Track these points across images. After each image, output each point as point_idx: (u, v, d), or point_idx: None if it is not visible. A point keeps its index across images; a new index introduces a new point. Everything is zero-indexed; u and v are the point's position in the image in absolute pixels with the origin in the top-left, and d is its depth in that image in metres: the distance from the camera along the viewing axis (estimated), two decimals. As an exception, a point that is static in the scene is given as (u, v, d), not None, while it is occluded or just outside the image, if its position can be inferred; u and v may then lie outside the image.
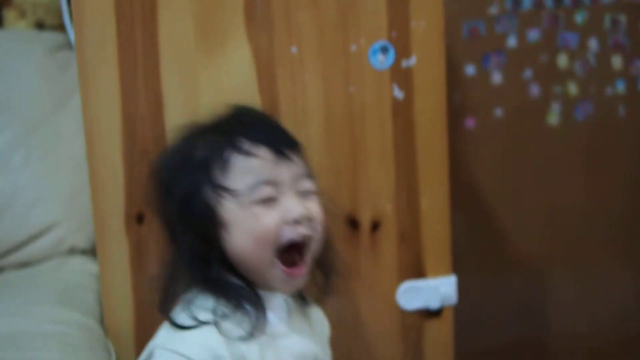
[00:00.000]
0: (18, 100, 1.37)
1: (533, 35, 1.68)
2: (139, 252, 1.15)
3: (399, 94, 1.19)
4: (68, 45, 1.46)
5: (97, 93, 1.12)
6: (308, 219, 0.98)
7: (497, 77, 1.68)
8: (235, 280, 0.98)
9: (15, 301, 1.16)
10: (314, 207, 0.99)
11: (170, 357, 0.94)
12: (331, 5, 1.16)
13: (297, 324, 1.04)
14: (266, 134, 0.99)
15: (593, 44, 1.70)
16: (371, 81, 1.18)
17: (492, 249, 1.73)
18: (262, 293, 0.99)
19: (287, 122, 1.16)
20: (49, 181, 1.35)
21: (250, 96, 1.15)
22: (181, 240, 0.99)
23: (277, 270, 0.97)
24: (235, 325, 0.96)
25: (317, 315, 1.11)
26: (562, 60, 1.70)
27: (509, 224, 1.73)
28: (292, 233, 0.97)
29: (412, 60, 1.19)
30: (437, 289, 1.23)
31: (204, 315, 0.96)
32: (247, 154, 0.96)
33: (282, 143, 0.99)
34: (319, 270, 1.05)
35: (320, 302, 1.09)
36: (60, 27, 1.49)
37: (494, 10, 1.66)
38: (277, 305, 1.01)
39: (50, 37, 1.46)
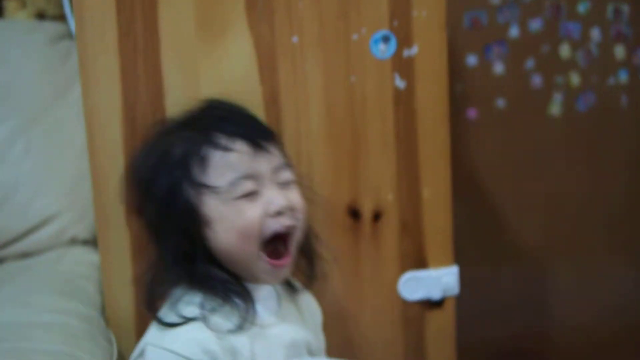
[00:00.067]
0: (19, 90, 1.37)
1: (535, 25, 1.68)
2: (140, 242, 1.14)
3: (400, 83, 1.19)
4: (68, 35, 1.45)
5: (98, 82, 1.12)
6: (290, 210, 0.98)
7: (498, 67, 1.67)
8: (221, 274, 0.98)
9: (17, 291, 1.16)
10: (295, 197, 1.00)
11: (161, 355, 0.94)
12: (332, -6, 1.15)
13: (287, 312, 1.05)
14: (242, 127, 0.99)
15: (595, 33, 1.69)
16: (372, 71, 1.18)
17: (494, 239, 1.72)
18: (249, 285, 1.00)
19: (288, 111, 1.16)
20: (49, 171, 1.35)
21: (251, 85, 1.15)
22: (164, 239, 0.99)
23: (262, 263, 0.98)
24: (224, 319, 0.96)
25: (308, 301, 1.11)
26: (565, 51, 1.69)
27: (510, 214, 1.73)
28: (275, 225, 0.97)
29: (414, 50, 1.18)
30: (439, 280, 1.23)
31: (192, 311, 0.96)
32: (225, 149, 0.96)
33: (258, 135, 0.99)
34: (302, 256, 1.06)
35: (308, 287, 1.10)
36: (61, 17, 1.48)
37: (495, 0, 1.65)
38: (265, 296, 1.01)
39: (50, 27, 1.46)
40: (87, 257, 1.31)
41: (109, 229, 1.14)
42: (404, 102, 1.19)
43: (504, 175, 1.71)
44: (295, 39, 1.15)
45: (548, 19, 1.67)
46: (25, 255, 1.34)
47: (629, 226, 1.77)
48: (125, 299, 1.15)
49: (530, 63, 1.68)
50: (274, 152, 1.00)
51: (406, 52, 1.18)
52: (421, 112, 1.20)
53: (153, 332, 0.98)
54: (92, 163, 1.13)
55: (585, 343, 1.78)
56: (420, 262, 1.23)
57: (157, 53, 1.12)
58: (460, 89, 1.65)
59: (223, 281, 0.98)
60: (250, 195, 0.96)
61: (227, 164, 0.96)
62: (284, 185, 0.99)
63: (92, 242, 1.35)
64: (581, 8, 1.68)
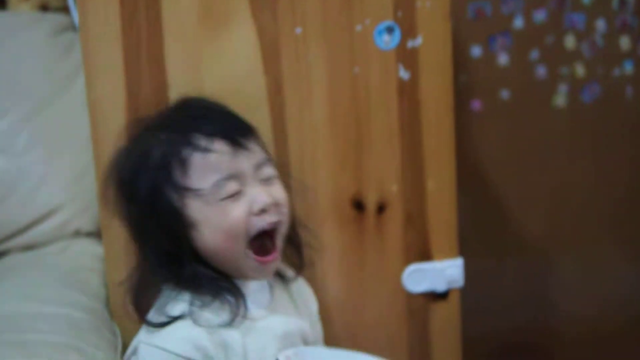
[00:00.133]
0: (22, 82, 1.37)
1: (539, 16, 1.67)
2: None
3: (404, 74, 1.18)
4: (72, 27, 1.45)
5: (101, 74, 1.11)
6: (274, 205, 0.98)
7: (503, 59, 1.67)
8: (209, 272, 0.99)
9: (21, 283, 1.16)
10: (278, 192, 1.00)
11: (153, 352, 0.95)
12: (336, -15, 1.15)
13: (280, 303, 1.05)
14: (220, 126, 0.98)
15: (600, 24, 1.68)
16: (376, 62, 1.17)
17: (498, 231, 1.72)
18: (238, 282, 1.00)
19: (292, 102, 1.16)
20: (53, 163, 1.35)
21: (254, 76, 1.14)
22: (148, 241, 0.99)
23: (250, 261, 0.98)
24: (214, 315, 0.96)
25: (301, 290, 1.11)
26: (569, 41, 1.68)
27: (514, 206, 1.72)
28: (261, 223, 0.97)
29: (418, 41, 1.18)
30: (444, 272, 1.22)
31: (181, 309, 0.96)
32: (204, 150, 0.96)
33: (237, 133, 0.98)
34: (290, 246, 1.06)
35: (299, 274, 1.10)
36: (64, 9, 1.48)
37: (500, -10, 1.65)
38: (255, 290, 1.02)
39: (54, 19, 1.45)
40: (91, 249, 1.31)
41: (113, 221, 1.14)
42: (408, 93, 1.19)
43: (508, 167, 1.70)
44: (298, 29, 1.15)
45: (552, 9, 1.66)
46: (29, 247, 1.34)
47: (634, 218, 1.77)
48: (129, 291, 1.15)
49: (534, 54, 1.67)
50: (254, 148, 0.99)
51: (410, 43, 1.18)
52: (425, 103, 1.20)
53: (145, 330, 0.98)
54: (96, 155, 1.13)
55: (589, 335, 1.77)
56: (424, 254, 1.22)
57: (160, 44, 1.12)
58: (464, 80, 1.64)
59: (211, 279, 0.98)
60: (234, 194, 0.96)
61: (208, 166, 0.96)
62: (266, 181, 0.99)
63: (96, 234, 1.34)
64: (586, -1, 1.67)
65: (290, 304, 1.08)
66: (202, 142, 0.96)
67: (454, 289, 1.24)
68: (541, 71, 1.68)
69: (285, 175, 1.08)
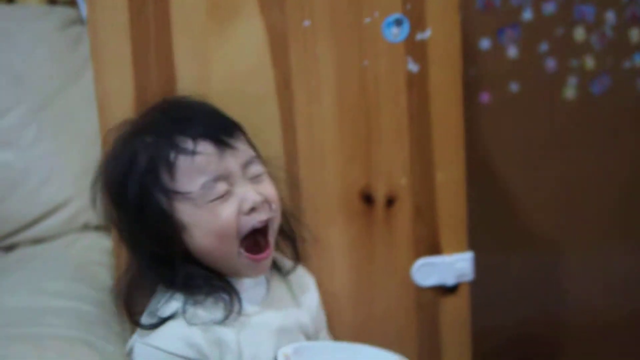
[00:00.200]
0: (30, 75, 1.37)
1: (549, 8, 1.66)
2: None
3: (413, 67, 1.18)
4: (79, 21, 1.45)
5: (109, 68, 1.11)
6: (265, 203, 0.97)
7: (512, 51, 1.66)
8: (202, 271, 0.98)
9: (30, 277, 1.16)
10: (267, 189, 0.99)
11: (147, 351, 0.96)
12: (345, -23, 1.14)
13: (277, 296, 1.05)
14: (204, 127, 0.97)
15: (610, 16, 1.68)
16: (385, 54, 1.17)
17: (507, 224, 1.72)
18: (232, 279, 1.00)
19: (300, 96, 1.16)
20: (61, 157, 1.35)
21: (262, 70, 1.14)
22: (140, 245, 0.99)
23: (243, 259, 0.98)
24: (208, 313, 0.96)
25: (301, 280, 1.11)
26: (579, 34, 1.67)
27: (524, 198, 1.72)
28: (251, 221, 0.97)
29: (427, 33, 1.17)
30: (453, 265, 1.22)
31: (174, 308, 0.96)
32: (190, 152, 0.95)
33: (222, 132, 0.97)
34: (283, 239, 1.06)
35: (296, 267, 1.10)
36: (72, 2, 1.48)
37: (508, -18, 1.64)
38: (249, 286, 1.02)
39: (62, 12, 1.45)
40: (100, 243, 1.32)
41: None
42: (417, 86, 1.18)
43: (518, 159, 1.69)
44: (307, 22, 1.15)
45: (562, 1, 1.66)
46: (38, 241, 1.35)
47: (644, 211, 1.76)
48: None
49: (544, 46, 1.66)
50: (240, 146, 0.99)
51: (419, 36, 1.17)
52: (434, 96, 1.19)
53: (140, 330, 0.99)
54: (104, 148, 1.12)
55: (599, 327, 1.77)
56: (434, 247, 1.22)
57: (168, 38, 1.12)
58: (473, 72, 1.63)
59: (204, 278, 0.98)
60: (223, 195, 0.96)
61: (195, 168, 0.95)
62: (255, 179, 0.99)
63: (104, 227, 1.35)
64: (595, -10, 1.66)
65: (289, 296, 1.07)
66: (187, 144, 0.95)
67: (463, 283, 1.24)
68: (551, 64, 1.67)
69: (276, 170, 1.07)
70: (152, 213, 0.96)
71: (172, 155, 0.95)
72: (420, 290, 1.23)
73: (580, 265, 1.76)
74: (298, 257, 1.10)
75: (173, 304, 0.97)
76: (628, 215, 1.76)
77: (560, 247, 1.75)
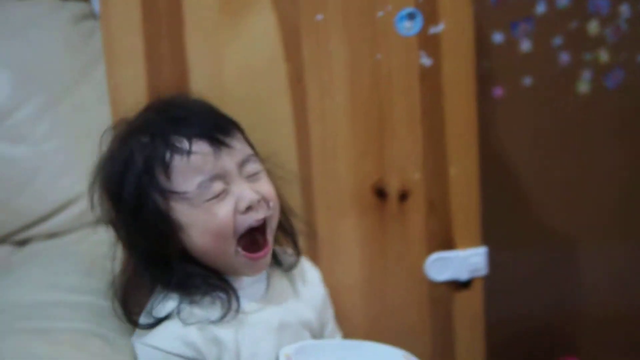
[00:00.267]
0: (42, 70, 1.37)
1: (562, 1, 1.65)
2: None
3: (426, 61, 1.17)
4: (91, 15, 1.45)
5: (122, 62, 1.12)
6: (262, 201, 0.97)
7: (525, 45, 1.65)
8: (199, 270, 0.98)
9: (43, 272, 1.16)
10: (264, 188, 0.99)
11: (145, 351, 0.96)
12: (357, -29, 1.14)
13: (278, 292, 1.04)
14: (199, 126, 0.97)
15: (625, 9, 1.66)
16: (398, 48, 1.16)
17: (521, 219, 1.71)
18: (230, 278, 1.00)
19: (313, 90, 1.15)
20: (74, 151, 1.35)
21: (275, 64, 1.14)
22: (136, 245, 0.99)
23: (241, 258, 0.98)
24: (205, 312, 0.96)
25: (306, 273, 1.11)
26: (593, 27, 1.66)
27: (538, 193, 1.71)
28: (248, 220, 0.97)
29: (440, 27, 1.17)
30: (467, 260, 1.22)
31: (170, 307, 0.97)
32: (186, 152, 0.95)
33: (217, 131, 0.97)
34: (282, 235, 1.05)
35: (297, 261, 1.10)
36: (84, -3, 1.48)
37: (522, -25, 1.63)
38: (248, 284, 1.02)
39: (74, 7, 1.45)
40: (113, 237, 1.31)
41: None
42: (430, 80, 1.18)
43: (531, 153, 1.69)
44: (319, 16, 1.14)
45: (576, -6, 1.65)
46: (50, 235, 1.35)
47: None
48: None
49: (557, 40, 1.65)
50: (237, 145, 0.99)
51: (432, 29, 1.17)
52: (448, 90, 1.19)
53: (138, 330, 0.99)
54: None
55: (611, 321, 1.77)
56: (447, 242, 1.21)
57: (181, 32, 1.12)
58: (486, 66, 1.63)
59: (201, 277, 0.98)
60: (220, 195, 0.96)
61: (191, 168, 0.95)
62: (251, 177, 0.99)
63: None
64: (610, -17, 1.65)
65: (290, 291, 1.07)
66: (183, 144, 0.95)
67: (477, 278, 1.24)
68: (564, 57, 1.66)
69: (275, 167, 1.07)
70: (149, 213, 0.96)
71: (167, 155, 0.95)
72: (434, 285, 1.23)
73: (594, 258, 1.75)
74: (299, 253, 1.09)
75: (169, 303, 0.98)
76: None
77: (573, 241, 1.74)
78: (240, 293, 1.00)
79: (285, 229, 1.08)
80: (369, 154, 1.18)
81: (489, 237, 1.25)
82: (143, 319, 0.98)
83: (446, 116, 1.19)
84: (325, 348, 1.00)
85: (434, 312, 1.23)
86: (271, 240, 1.01)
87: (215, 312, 0.97)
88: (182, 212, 0.96)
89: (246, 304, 1.00)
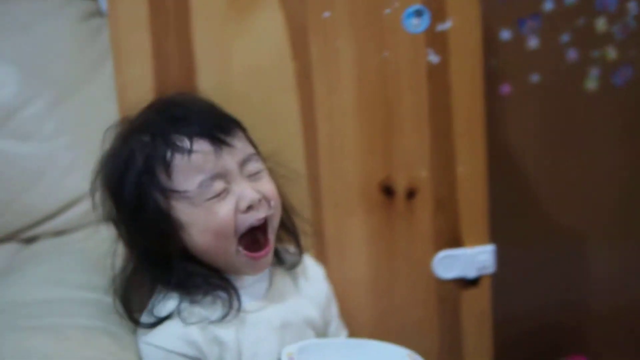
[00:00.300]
0: (49, 67, 1.37)
1: (570, -2, 1.64)
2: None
3: (434, 58, 1.17)
4: (98, 13, 1.45)
5: (129, 59, 1.12)
6: (263, 201, 0.97)
7: (533, 42, 1.64)
8: (200, 269, 0.98)
9: (51, 269, 1.16)
10: (266, 187, 0.99)
11: (147, 350, 0.96)
12: (365, -32, 1.14)
13: (280, 291, 1.04)
14: (200, 125, 0.97)
15: (632, 6, 1.66)
16: (405, 45, 1.16)
17: (529, 217, 1.71)
18: (231, 277, 1.00)
19: (320, 87, 1.15)
20: (82, 148, 1.35)
21: (282, 62, 1.14)
22: (137, 243, 0.99)
23: (242, 257, 0.97)
24: (205, 311, 0.96)
25: (309, 271, 1.11)
26: (601, 24, 1.66)
27: (545, 190, 1.70)
28: (250, 219, 0.97)
29: (448, 24, 1.16)
30: (474, 258, 1.21)
31: (171, 307, 0.97)
32: (186, 151, 0.95)
33: (218, 130, 0.97)
34: (285, 233, 1.05)
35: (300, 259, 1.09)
36: (91, -5, 1.48)
37: (529, -28, 1.62)
38: (249, 283, 1.01)
39: (80, 4, 1.45)
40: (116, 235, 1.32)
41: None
42: (437, 77, 1.18)
43: (539, 151, 1.68)
44: (327, 14, 1.14)
45: (583, -9, 1.64)
46: (59, 232, 1.35)
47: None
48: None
49: (565, 37, 1.65)
50: (238, 144, 0.98)
51: (440, 27, 1.16)
52: (455, 88, 1.18)
53: (140, 328, 0.99)
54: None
55: (620, 317, 1.76)
56: (455, 240, 1.21)
57: (188, 30, 1.12)
58: (494, 64, 1.62)
59: (202, 276, 0.98)
60: (221, 194, 0.95)
61: (192, 167, 0.95)
62: (253, 176, 0.98)
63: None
64: (618, -20, 1.65)
65: (293, 289, 1.07)
66: (184, 143, 0.95)
67: (484, 276, 1.23)
68: (572, 54, 1.66)
69: (278, 165, 1.06)
70: (150, 212, 0.96)
71: (168, 154, 0.95)
72: (441, 282, 1.22)
73: (602, 256, 1.75)
74: (301, 251, 1.09)
75: (170, 302, 0.98)
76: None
77: (581, 238, 1.74)
78: (242, 292, 1.00)
79: (288, 228, 1.07)
80: (377, 151, 1.18)
81: (496, 234, 1.25)
82: (144, 318, 0.99)
83: (454, 113, 1.19)
84: (328, 347, 1.00)
85: (442, 309, 1.23)
86: (272, 240, 1.01)
87: (216, 311, 0.97)
88: (182, 211, 0.96)
89: (247, 303, 1.00)
